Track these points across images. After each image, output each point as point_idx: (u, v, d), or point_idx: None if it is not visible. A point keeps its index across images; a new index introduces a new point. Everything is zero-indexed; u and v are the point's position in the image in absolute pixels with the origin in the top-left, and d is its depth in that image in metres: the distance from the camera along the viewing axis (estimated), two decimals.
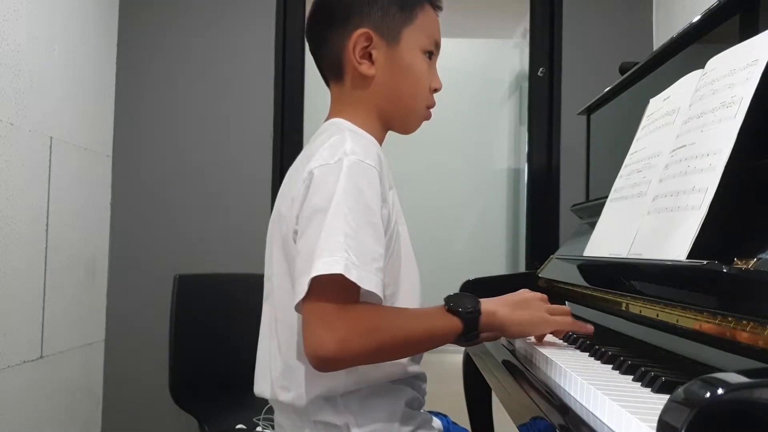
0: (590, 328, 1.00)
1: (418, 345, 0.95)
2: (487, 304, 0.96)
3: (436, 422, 1.07)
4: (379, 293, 0.87)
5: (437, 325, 0.93)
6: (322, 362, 0.86)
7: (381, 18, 1.02)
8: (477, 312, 0.94)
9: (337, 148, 0.91)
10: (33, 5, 1.86)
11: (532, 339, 1.04)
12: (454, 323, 0.93)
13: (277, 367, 0.97)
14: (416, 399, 1.03)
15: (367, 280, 0.85)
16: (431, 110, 1.09)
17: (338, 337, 0.84)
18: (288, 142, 2.44)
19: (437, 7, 1.08)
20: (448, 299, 0.95)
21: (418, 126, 1.10)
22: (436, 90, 1.08)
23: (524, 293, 1.02)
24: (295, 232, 0.93)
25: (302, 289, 0.85)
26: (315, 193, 0.90)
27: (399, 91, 1.04)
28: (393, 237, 0.96)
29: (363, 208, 0.88)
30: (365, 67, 1.02)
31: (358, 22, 1.01)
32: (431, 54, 1.06)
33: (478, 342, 1.06)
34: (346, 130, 0.98)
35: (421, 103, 1.06)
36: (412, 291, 1.01)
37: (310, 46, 1.09)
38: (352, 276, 0.84)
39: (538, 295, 1.02)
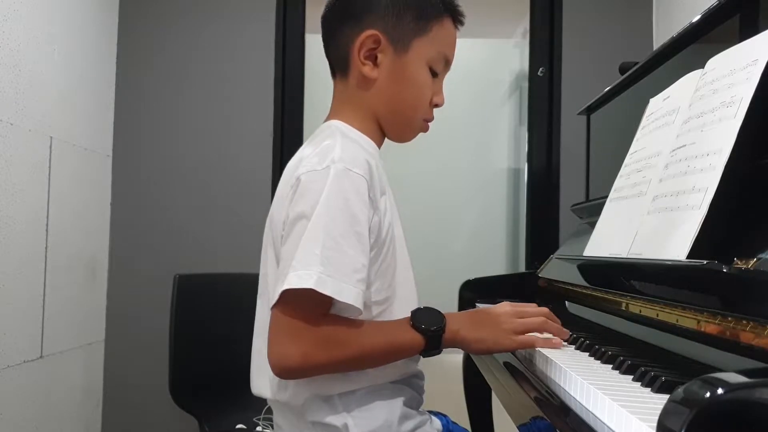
0: (558, 342, 0.97)
1: (380, 358, 0.94)
2: (451, 322, 0.95)
3: (436, 422, 1.07)
4: (358, 305, 0.87)
5: (400, 340, 0.93)
6: (283, 371, 0.89)
7: (394, 23, 1.00)
8: (441, 330, 0.94)
9: (326, 155, 0.91)
10: (33, 5, 1.86)
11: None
12: (417, 339, 0.93)
13: None
14: (415, 398, 1.02)
15: (346, 292, 0.86)
16: (429, 124, 1.08)
17: (302, 350, 0.86)
18: (288, 142, 2.44)
19: (458, 22, 1.06)
20: (415, 314, 0.95)
21: (413, 137, 1.09)
22: (437, 105, 1.06)
23: (496, 307, 1.00)
24: (282, 236, 0.93)
25: (275, 296, 0.87)
26: (300, 200, 0.90)
27: (398, 100, 1.03)
28: (386, 242, 0.96)
29: (348, 217, 0.88)
30: (368, 69, 1.01)
31: (371, 22, 1.00)
32: (437, 69, 1.04)
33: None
34: (339, 135, 0.97)
35: (418, 115, 1.05)
36: (409, 295, 1.01)
37: (322, 32, 1.08)
38: (327, 290, 0.84)
39: (510, 310, 0.99)
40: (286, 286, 0.85)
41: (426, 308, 0.96)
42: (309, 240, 0.86)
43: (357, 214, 0.89)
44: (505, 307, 1.00)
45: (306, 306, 0.87)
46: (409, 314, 0.97)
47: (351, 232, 0.88)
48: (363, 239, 0.89)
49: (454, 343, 0.97)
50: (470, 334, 0.96)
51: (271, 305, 0.88)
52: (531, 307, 1.01)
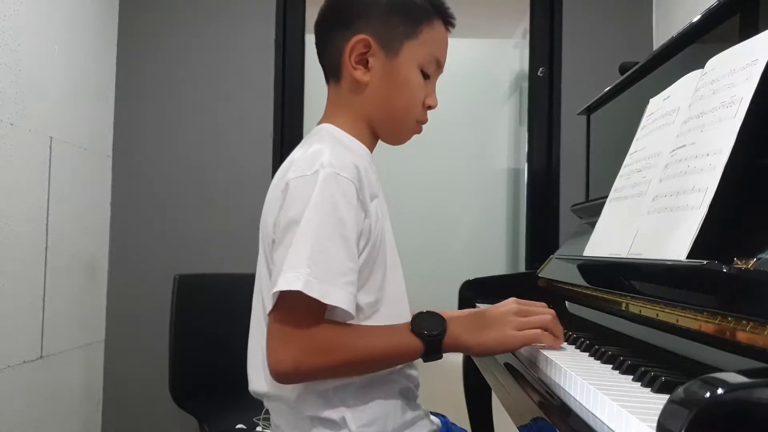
0: (560, 343, 0.97)
1: (377, 363, 0.95)
2: (453, 326, 0.94)
3: (435, 421, 1.07)
4: (347, 308, 0.88)
5: (399, 345, 0.93)
6: (279, 377, 0.90)
7: (383, 27, 1.01)
8: (441, 336, 0.93)
9: (315, 160, 0.92)
10: (33, 5, 1.86)
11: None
12: (416, 344, 0.92)
13: None
14: (410, 390, 1.03)
15: (333, 295, 0.86)
16: (423, 126, 1.08)
17: (292, 356, 0.87)
18: (288, 142, 2.44)
19: (448, 23, 1.06)
20: (416, 319, 0.94)
21: (406, 140, 1.09)
22: (430, 107, 1.06)
23: (501, 305, 0.98)
24: (273, 240, 0.94)
25: (270, 303, 0.89)
26: (290, 205, 0.91)
27: (390, 103, 1.04)
28: (376, 246, 0.96)
29: (335, 221, 0.89)
30: (359, 73, 1.02)
31: (361, 27, 1.01)
32: (429, 72, 1.04)
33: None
34: (329, 139, 0.98)
35: (411, 117, 1.05)
36: (398, 297, 1.01)
37: (316, 40, 1.09)
38: (314, 292, 0.85)
39: (514, 308, 0.97)
40: (276, 289, 0.86)
41: (428, 312, 0.96)
42: (298, 244, 0.87)
43: (344, 219, 0.89)
44: (510, 304, 0.98)
45: (298, 311, 0.88)
46: (400, 317, 0.97)
47: (337, 236, 0.88)
48: (350, 243, 0.90)
49: (456, 348, 0.95)
50: (472, 338, 0.95)
51: (266, 311, 0.90)
52: (538, 306, 1.00)
